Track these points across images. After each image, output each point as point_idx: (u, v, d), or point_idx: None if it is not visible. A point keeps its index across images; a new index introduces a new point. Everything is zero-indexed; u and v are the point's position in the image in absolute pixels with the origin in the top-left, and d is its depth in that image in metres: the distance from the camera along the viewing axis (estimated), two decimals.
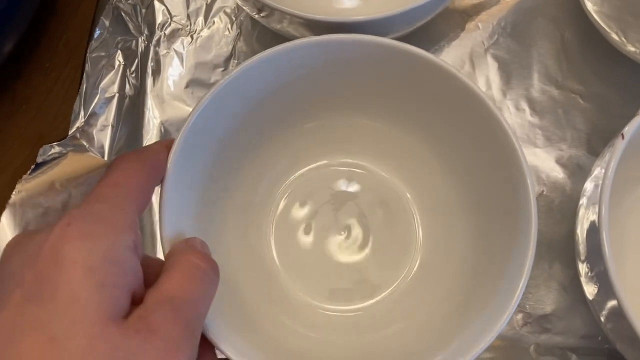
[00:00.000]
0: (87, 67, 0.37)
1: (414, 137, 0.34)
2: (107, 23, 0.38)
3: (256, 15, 0.36)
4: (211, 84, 0.39)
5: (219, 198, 0.32)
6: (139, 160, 0.26)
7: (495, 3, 0.41)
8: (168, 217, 0.27)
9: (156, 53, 0.40)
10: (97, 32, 0.38)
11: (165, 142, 0.28)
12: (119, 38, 0.38)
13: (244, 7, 0.36)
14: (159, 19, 0.40)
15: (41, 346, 0.20)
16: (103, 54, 0.38)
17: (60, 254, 0.21)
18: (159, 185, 0.27)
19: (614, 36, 0.36)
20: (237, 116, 0.31)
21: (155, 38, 0.40)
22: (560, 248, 0.36)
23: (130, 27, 0.39)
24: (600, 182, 0.29)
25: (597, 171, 0.33)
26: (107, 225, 0.22)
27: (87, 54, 0.37)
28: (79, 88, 0.36)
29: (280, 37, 0.34)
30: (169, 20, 0.40)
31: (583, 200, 0.33)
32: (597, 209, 0.29)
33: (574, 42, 0.40)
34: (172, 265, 0.24)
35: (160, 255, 0.33)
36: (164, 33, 0.40)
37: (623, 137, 0.29)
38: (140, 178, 0.25)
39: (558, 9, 0.40)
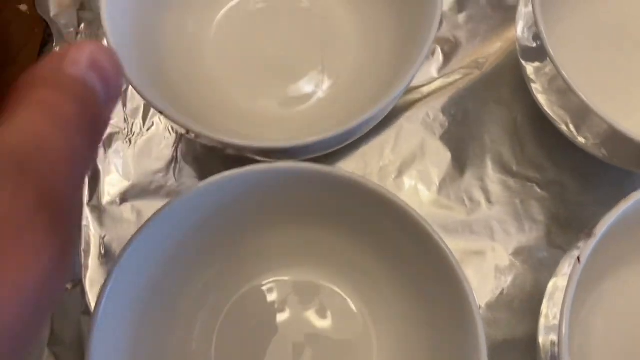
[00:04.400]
0: None
1: (362, 251, 0.33)
2: None
3: (186, 134, 0.34)
4: (153, 191, 0.37)
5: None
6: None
7: (442, 87, 0.39)
8: None
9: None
10: None
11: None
12: None
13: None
14: None
15: None
16: None
17: None
18: None
19: (564, 127, 0.35)
20: (166, 256, 0.30)
21: None
22: (524, 349, 0.35)
23: None
24: (559, 310, 0.27)
25: (559, 277, 0.32)
26: None
27: None
28: None
29: None
30: None
31: (544, 306, 0.32)
32: (557, 332, 0.28)
33: (527, 126, 0.39)
34: (18, 102, 0.15)
35: None
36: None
37: (579, 262, 0.27)
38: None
39: (509, 92, 0.39)
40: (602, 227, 0.28)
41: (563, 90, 0.33)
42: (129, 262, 0.28)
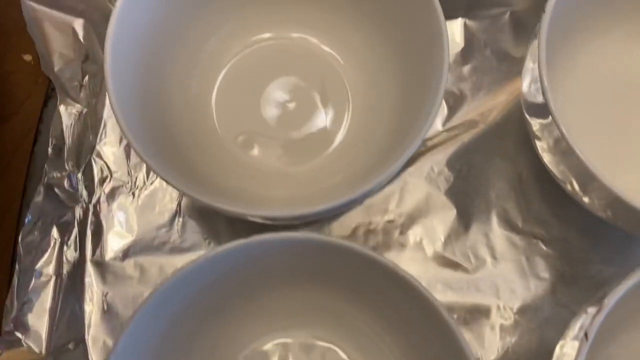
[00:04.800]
0: (20, 251, 0.35)
1: (362, 313, 0.33)
2: (38, 202, 0.36)
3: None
4: (155, 246, 0.37)
5: None
6: None
7: (447, 140, 0.39)
8: None
9: (96, 216, 0.37)
10: (27, 218, 0.35)
11: None
12: (53, 215, 0.36)
13: None
14: (98, 175, 0.38)
15: None
16: (36, 236, 0.35)
17: None
18: None
19: (568, 187, 0.34)
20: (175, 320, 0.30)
21: (95, 198, 0.38)
22: None
23: (64, 199, 0.37)
24: None
25: (567, 341, 0.31)
26: None
27: (19, 243, 0.35)
28: (10, 281, 0.34)
29: None
30: (109, 177, 0.38)
31: None
32: None
33: (532, 181, 0.38)
34: None
35: None
36: (104, 191, 0.38)
37: (587, 338, 0.27)
38: None
39: (513, 146, 0.39)
40: (612, 299, 0.28)
41: (568, 153, 0.33)
42: (134, 332, 0.28)
